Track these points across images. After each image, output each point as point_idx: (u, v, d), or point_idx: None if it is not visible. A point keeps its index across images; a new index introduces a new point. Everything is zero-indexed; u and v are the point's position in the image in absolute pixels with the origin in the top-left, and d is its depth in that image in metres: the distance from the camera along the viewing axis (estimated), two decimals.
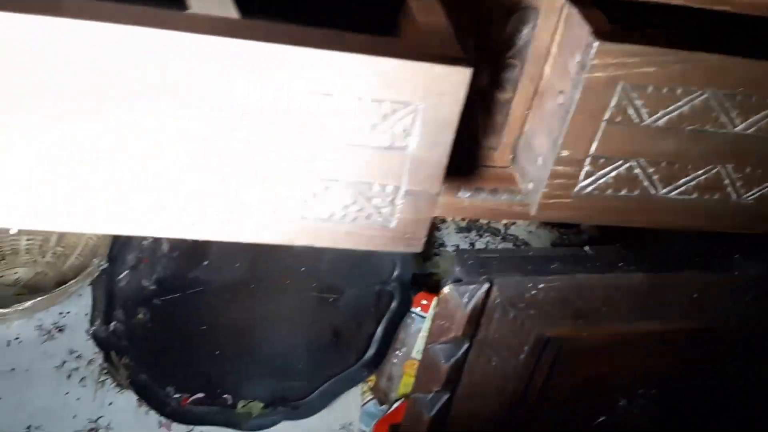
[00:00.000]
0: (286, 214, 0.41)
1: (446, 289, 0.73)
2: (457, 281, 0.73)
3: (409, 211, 0.42)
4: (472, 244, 1.43)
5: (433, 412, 0.84)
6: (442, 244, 1.42)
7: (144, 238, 1.22)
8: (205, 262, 1.21)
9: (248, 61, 0.35)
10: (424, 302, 1.12)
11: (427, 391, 0.81)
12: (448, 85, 0.38)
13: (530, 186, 0.50)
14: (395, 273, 1.15)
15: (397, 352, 1.10)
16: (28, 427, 0.96)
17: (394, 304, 1.11)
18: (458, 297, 0.73)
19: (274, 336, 1.12)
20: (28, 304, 1.04)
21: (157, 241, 1.23)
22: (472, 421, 0.85)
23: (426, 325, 1.11)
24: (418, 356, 1.11)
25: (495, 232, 1.48)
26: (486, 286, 0.73)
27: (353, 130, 0.39)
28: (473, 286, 0.73)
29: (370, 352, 1.06)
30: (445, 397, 0.81)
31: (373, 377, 1.08)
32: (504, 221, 1.50)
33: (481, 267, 0.74)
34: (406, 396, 1.07)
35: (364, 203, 0.41)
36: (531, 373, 0.82)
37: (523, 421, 0.87)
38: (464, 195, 0.56)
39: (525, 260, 0.77)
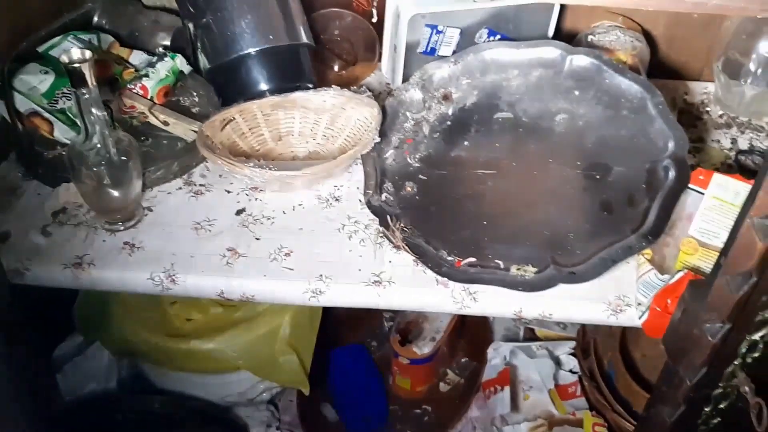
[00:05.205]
0: None
1: None
2: None
3: None
4: (734, 141, 1.34)
5: None
6: (701, 138, 1.34)
7: (406, 121, 1.27)
8: (466, 143, 1.23)
9: None
10: (701, 177, 1.05)
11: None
12: None
13: None
14: (669, 150, 1.10)
15: (672, 230, 1.05)
16: (321, 276, 1.03)
17: (670, 179, 1.06)
18: None
19: (539, 209, 1.11)
20: (311, 168, 1.12)
21: (417, 124, 1.27)
22: None
23: (705, 203, 1.04)
24: (697, 234, 1.05)
25: (759, 129, 1.37)
26: None
27: None
28: None
29: (648, 223, 1.02)
30: None
31: (649, 251, 1.03)
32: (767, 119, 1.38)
33: None
34: (689, 268, 1.01)
35: None
36: None
37: None
38: None
39: None
